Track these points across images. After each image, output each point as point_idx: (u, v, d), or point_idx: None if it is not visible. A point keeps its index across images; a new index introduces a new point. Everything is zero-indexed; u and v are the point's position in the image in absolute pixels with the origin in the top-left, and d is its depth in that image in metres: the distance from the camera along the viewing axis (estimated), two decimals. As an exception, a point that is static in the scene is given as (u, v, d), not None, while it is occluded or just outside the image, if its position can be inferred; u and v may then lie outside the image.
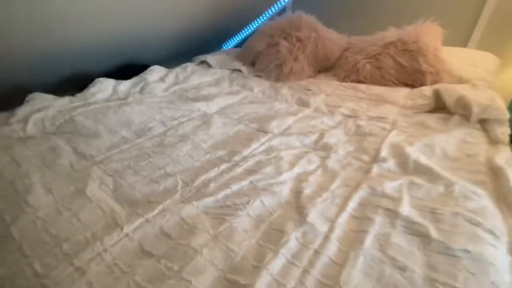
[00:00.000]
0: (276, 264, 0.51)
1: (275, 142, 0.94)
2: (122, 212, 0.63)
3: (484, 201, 0.66)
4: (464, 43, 1.75)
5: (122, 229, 0.58)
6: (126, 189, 0.72)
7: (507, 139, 0.96)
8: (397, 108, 1.18)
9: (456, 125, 1.00)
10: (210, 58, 1.89)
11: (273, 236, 0.58)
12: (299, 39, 1.69)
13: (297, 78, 1.61)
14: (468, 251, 0.53)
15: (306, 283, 0.49)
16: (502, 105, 1.15)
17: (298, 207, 0.66)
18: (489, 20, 1.66)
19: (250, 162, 0.83)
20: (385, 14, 1.98)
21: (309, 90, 1.44)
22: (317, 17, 1.85)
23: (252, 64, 1.82)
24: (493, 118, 0.98)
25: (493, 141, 0.91)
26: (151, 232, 0.59)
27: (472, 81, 1.33)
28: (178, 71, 1.65)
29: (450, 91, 1.11)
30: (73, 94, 1.30)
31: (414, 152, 0.83)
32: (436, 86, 1.24)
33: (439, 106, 1.12)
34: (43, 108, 1.13)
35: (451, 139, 0.91)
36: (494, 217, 0.61)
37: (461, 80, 1.36)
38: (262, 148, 0.92)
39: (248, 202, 0.66)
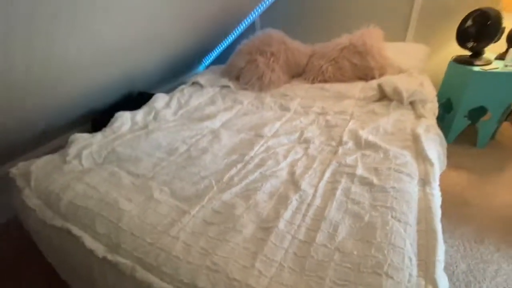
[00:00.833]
0: (287, 214, 0.88)
1: (270, 143, 1.31)
2: (185, 205, 0.98)
3: (407, 158, 1.05)
4: (403, 37, 2.17)
5: (190, 213, 0.93)
6: (179, 192, 1.06)
7: (430, 113, 1.36)
8: (354, 101, 1.58)
9: (395, 108, 1.40)
10: (200, 78, 2.23)
11: (282, 200, 0.95)
12: (272, 53, 2.06)
13: (276, 86, 1.99)
14: (394, 187, 0.92)
15: (306, 220, 0.86)
16: (429, 87, 1.57)
17: (293, 181, 1.04)
18: (419, 15, 2.08)
19: (256, 160, 1.19)
20: (338, 21, 2.38)
21: (286, 95, 1.82)
22: (283, 29, 2.23)
23: (236, 78, 2.18)
24: (418, 99, 1.38)
25: (418, 116, 1.32)
26: (207, 212, 0.94)
27: (409, 69, 1.75)
28: (178, 96, 1.98)
29: (389, 82, 1.51)
30: (87, 130, 1.63)
31: (365, 134, 1.22)
32: (381, 79, 1.64)
33: (383, 96, 1.52)
34: (87, 145, 1.43)
35: (390, 119, 1.31)
36: (411, 166, 1.01)
37: (400, 70, 1.78)
38: (262, 148, 1.28)
39: (262, 185, 1.03)
